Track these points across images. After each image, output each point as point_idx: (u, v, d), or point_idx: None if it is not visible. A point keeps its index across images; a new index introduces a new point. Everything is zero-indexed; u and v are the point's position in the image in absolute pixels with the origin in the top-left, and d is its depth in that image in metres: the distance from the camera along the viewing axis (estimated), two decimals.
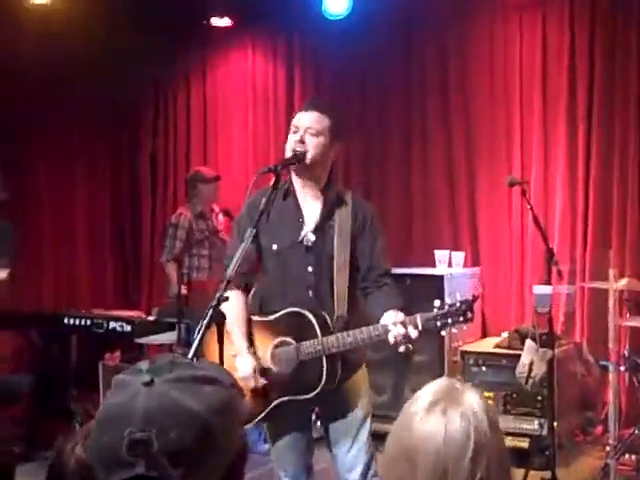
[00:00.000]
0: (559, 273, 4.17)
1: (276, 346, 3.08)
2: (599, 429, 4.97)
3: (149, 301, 6.96)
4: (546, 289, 4.20)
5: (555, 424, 4.02)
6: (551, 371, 4.11)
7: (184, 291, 5.27)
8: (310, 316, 3.01)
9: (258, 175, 3.08)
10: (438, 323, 2.78)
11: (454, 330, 2.77)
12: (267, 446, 5.16)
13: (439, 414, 1.34)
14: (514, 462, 4.23)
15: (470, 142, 6.07)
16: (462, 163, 6.11)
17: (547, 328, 4.16)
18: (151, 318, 5.56)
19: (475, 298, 2.80)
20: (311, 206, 3.13)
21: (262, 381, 3.05)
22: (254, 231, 2.89)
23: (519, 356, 4.60)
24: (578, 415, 5.03)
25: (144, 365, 1.19)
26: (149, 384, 1.14)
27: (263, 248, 3.14)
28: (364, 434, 3.15)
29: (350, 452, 3.13)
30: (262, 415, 3.09)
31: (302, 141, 3.05)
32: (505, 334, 5.27)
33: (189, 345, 2.76)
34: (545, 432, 4.28)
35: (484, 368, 5.08)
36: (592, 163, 5.52)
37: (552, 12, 5.67)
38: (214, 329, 2.85)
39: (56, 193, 6.99)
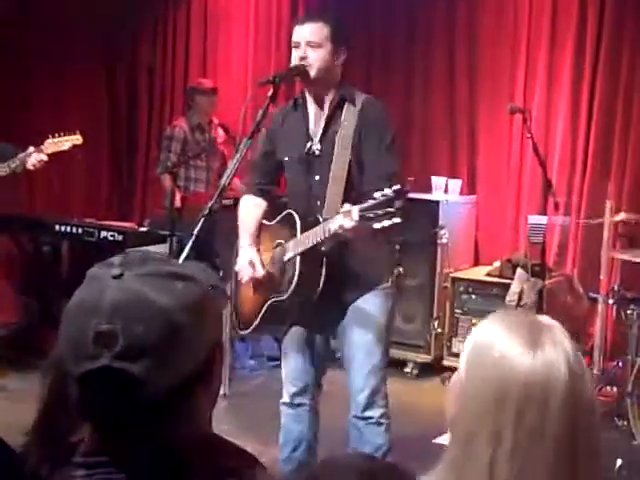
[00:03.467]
0: (555, 204, 4.15)
1: (274, 248, 3.14)
2: (585, 360, 5.02)
3: (142, 213, 6.92)
4: (541, 219, 4.19)
5: None
6: (540, 301, 4.13)
7: (178, 203, 5.24)
8: (296, 218, 3.01)
9: (257, 85, 3.08)
10: (371, 214, 2.58)
11: (386, 223, 2.55)
12: (254, 362, 5.30)
13: (551, 344, 1.24)
14: None
15: (473, 68, 5.97)
16: (464, 89, 6.02)
17: (539, 258, 4.16)
18: (143, 229, 5.54)
19: (403, 191, 2.57)
20: (320, 115, 3.11)
21: (259, 271, 3.05)
22: (249, 142, 2.90)
23: (510, 285, 4.62)
24: None
25: (116, 259, 1.17)
26: (118, 277, 1.12)
27: (280, 159, 3.20)
28: (375, 358, 3.09)
29: (357, 375, 3.10)
30: (260, 317, 3.12)
31: (304, 57, 3.02)
32: (497, 263, 5.27)
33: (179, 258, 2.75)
34: None
35: (474, 296, 5.10)
36: (596, 94, 5.44)
37: None
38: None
39: (52, 100, 6.89)
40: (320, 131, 3.10)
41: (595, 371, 3.85)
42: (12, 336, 5.25)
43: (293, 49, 3.08)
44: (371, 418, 3.10)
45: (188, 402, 1.15)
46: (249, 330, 3.27)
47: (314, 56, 3.02)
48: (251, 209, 3.24)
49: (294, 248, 3.00)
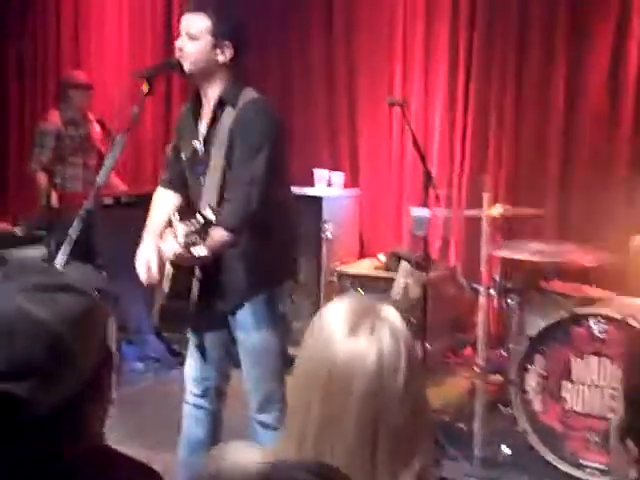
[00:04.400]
0: (437, 197, 4.20)
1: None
2: (469, 350, 5.13)
3: (16, 213, 6.64)
4: (423, 212, 4.24)
5: (427, 346, 4.10)
6: (425, 294, 4.17)
7: (55, 202, 5.04)
8: (174, 220, 2.83)
9: (132, 77, 2.97)
10: (191, 239, 2.51)
11: (201, 251, 2.51)
12: (141, 364, 5.17)
13: (367, 333, 1.28)
14: None
15: (352, 61, 6.00)
16: (343, 82, 6.04)
17: (423, 251, 4.21)
18: (17, 230, 5.30)
19: (207, 220, 2.51)
20: (206, 114, 3.01)
21: (155, 276, 2.88)
22: (123, 138, 2.79)
23: (395, 279, 4.65)
24: (450, 337, 5.16)
25: None
26: None
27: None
28: (266, 361, 3.05)
29: (248, 377, 3.08)
30: (157, 317, 3.02)
31: (181, 48, 2.92)
32: (382, 256, 5.31)
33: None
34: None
35: (361, 290, 5.12)
36: (471, 87, 5.56)
37: None
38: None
39: None
40: (204, 132, 3.01)
41: (479, 361, 3.93)
42: None
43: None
44: (264, 422, 3.08)
45: (76, 416, 1.10)
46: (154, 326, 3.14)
47: (190, 48, 2.90)
48: (159, 203, 3.13)
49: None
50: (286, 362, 3.05)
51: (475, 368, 3.98)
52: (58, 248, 4.69)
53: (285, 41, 6.17)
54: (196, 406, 3.19)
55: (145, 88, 2.88)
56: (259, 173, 2.86)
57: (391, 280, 4.74)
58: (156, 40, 6.57)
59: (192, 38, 2.90)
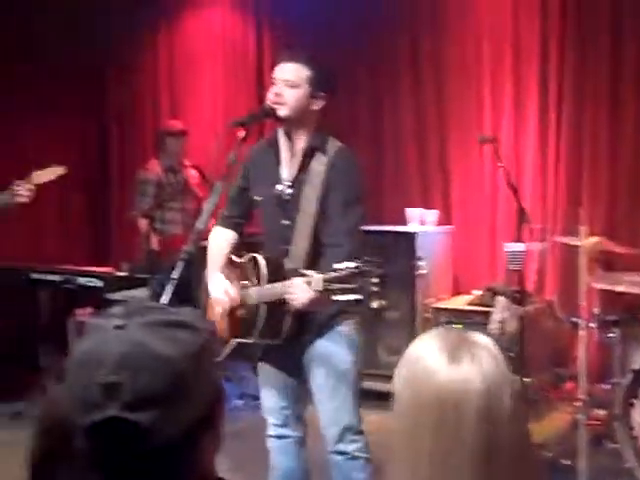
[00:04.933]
0: (531, 230, 4.18)
1: (241, 289, 3.11)
2: (570, 384, 5.03)
3: (119, 257, 6.88)
4: (518, 246, 4.21)
5: (527, 380, 4.04)
6: (522, 328, 4.13)
7: (156, 246, 5.22)
8: (262, 264, 3.00)
9: (228, 128, 3.07)
10: (336, 288, 2.62)
11: (344, 298, 2.59)
12: (241, 402, 5.25)
13: (468, 359, 1.29)
14: None
15: (441, 99, 6.04)
16: (433, 121, 6.08)
17: (519, 286, 4.18)
18: (121, 274, 5.51)
19: (365, 271, 2.58)
20: (291, 158, 3.09)
21: (236, 298, 3.04)
22: (222, 184, 2.90)
23: (491, 313, 4.62)
24: (549, 371, 5.08)
25: (117, 310, 1.18)
26: (121, 327, 1.14)
27: (252, 197, 3.19)
28: (341, 393, 3.09)
29: (325, 409, 3.11)
30: (223, 355, 3.08)
31: (279, 94, 3.00)
32: (477, 292, 5.29)
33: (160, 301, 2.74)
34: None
35: (454, 325, 5.09)
36: (563, 120, 5.52)
37: None
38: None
39: (23, 146, 6.86)
40: (291, 176, 3.08)
41: (582, 395, 3.85)
42: None
43: (272, 86, 3.06)
44: (345, 452, 3.10)
45: (194, 448, 1.16)
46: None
47: (289, 95, 3.00)
48: (221, 242, 3.22)
49: (259, 297, 3.00)
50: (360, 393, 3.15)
51: (577, 403, 3.91)
52: (160, 289, 4.88)
53: (375, 84, 6.27)
54: (280, 437, 3.23)
55: (241, 135, 2.98)
56: (359, 221, 3.01)
57: (487, 315, 4.71)
58: (249, 89, 6.77)
59: (292, 86, 2.99)
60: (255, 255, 3.06)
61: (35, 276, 5.34)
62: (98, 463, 1.13)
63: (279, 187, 3.09)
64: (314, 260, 3.01)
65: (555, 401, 5.00)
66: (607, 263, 4.71)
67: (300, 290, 2.76)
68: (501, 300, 4.60)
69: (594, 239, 4.31)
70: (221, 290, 3.08)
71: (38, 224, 6.96)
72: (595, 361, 4.92)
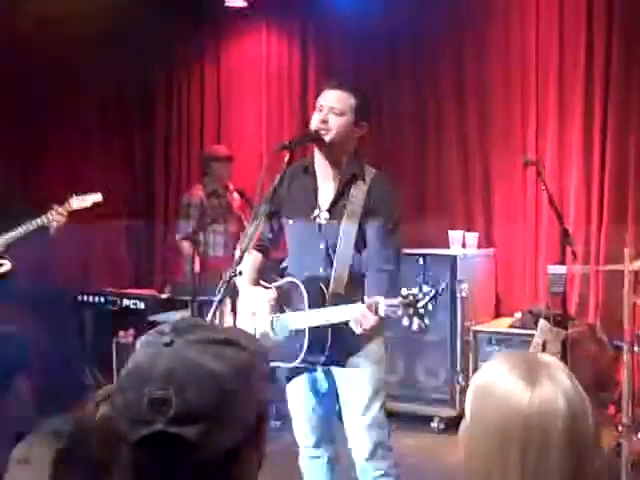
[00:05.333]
0: (573, 253, 4.16)
1: (275, 313, 3.15)
2: (612, 409, 4.97)
3: (163, 280, 6.98)
4: (560, 269, 4.19)
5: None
6: (564, 351, 4.11)
7: (198, 269, 5.29)
8: (302, 289, 3.04)
9: (273, 152, 3.14)
10: (399, 312, 2.68)
11: (415, 322, 2.63)
12: (279, 422, 5.26)
13: (547, 380, 1.28)
14: None
15: (485, 122, 6.04)
16: (476, 143, 6.08)
17: (561, 308, 4.16)
18: (164, 296, 5.59)
19: (439, 292, 2.65)
20: (329, 184, 3.14)
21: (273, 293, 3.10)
22: (268, 208, 2.94)
23: (532, 336, 4.59)
24: (592, 395, 4.97)
25: (167, 327, 1.21)
26: (170, 344, 1.16)
27: (283, 222, 3.23)
28: (373, 410, 3.14)
29: (356, 427, 3.15)
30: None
31: (325, 120, 3.05)
32: (518, 314, 5.26)
33: None
34: None
35: (497, 347, 5.08)
36: (608, 144, 5.49)
37: None
38: (226, 305, 3.02)
39: (70, 172, 7.00)
40: (329, 202, 3.13)
41: (624, 419, 3.81)
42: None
43: (316, 111, 3.10)
44: (375, 471, 3.14)
45: (240, 465, 1.18)
46: None
47: (335, 122, 3.04)
48: (250, 265, 3.22)
49: (303, 322, 3.02)
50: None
51: (620, 427, 3.87)
52: (201, 311, 4.95)
53: (420, 106, 6.29)
54: (313, 457, 3.28)
55: (286, 158, 3.03)
56: (400, 247, 3.12)
57: (528, 337, 4.68)
58: (293, 114, 6.85)
59: (338, 113, 3.04)
60: (294, 280, 3.09)
61: (81, 298, 5.44)
62: (146, 477, 1.16)
63: (316, 212, 3.13)
64: (354, 285, 3.05)
65: (598, 425, 4.94)
66: None
67: (368, 315, 2.80)
68: (543, 323, 4.57)
69: (639, 262, 4.28)
70: (263, 296, 3.14)
71: (85, 248, 7.08)
72: (638, 385, 4.85)
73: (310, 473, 3.31)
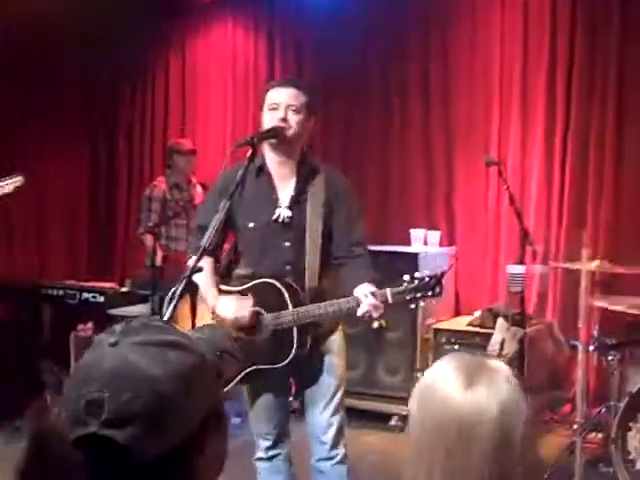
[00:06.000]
0: (533, 253, 4.20)
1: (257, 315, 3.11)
2: (567, 407, 5.03)
3: (123, 273, 6.93)
4: (519, 269, 4.22)
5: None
6: (522, 350, 4.15)
7: (159, 262, 5.25)
8: (281, 287, 3.04)
9: (235, 147, 3.13)
10: (407, 297, 2.83)
11: (421, 304, 2.79)
12: (238, 419, 5.26)
13: (484, 384, 1.30)
14: None
15: (448, 121, 6.07)
16: (440, 142, 6.11)
17: (519, 307, 4.20)
18: (124, 289, 5.54)
19: (443, 274, 2.84)
20: (285, 182, 3.15)
21: (248, 309, 3.06)
22: (228, 203, 2.91)
23: (491, 335, 4.64)
24: (547, 394, 5.08)
25: (118, 327, 1.21)
26: (114, 345, 1.16)
27: (237, 225, 3.17)
28: (338, 397, 3.18)
29: (323, 414, 3.17)
30: (235, 381, 3.07)
31: (284, 118, 3.06)
32: (478, 313, 5.30)
33: (161, 318, 2.77)
34: None
35: (456, 346, 5.11)
36: (569, 145, 5.54)
37: None
38: (186, 301, 3.02)
39: (31, 163, 6.93)
40: (289, 198, 3.14)
41: (578, 418, 3.86)
42: None
43: (269, 111, 3.11)
44: (336, 457, 3.17)
45: (182, 470, 1.17)
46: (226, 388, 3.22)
47: (294, 119, 3.08)
48: (213, 277, 3.18)
49: (293, 319, 3.02)
50: None
51: (574, 426, 3.92)
52: (161, 305, 4.91)
53: (384, 103, 6.30)
54: (271, 458, 3.27)
55: (249, 154, 3.02)
56: (363, 235, 3.19)
57: (487, 336, 4.73)
58: (257, 109, 6.78)
59: (295, 110, 3.09)
60: (269, 280, 3.06)
61: (39, 291, 5.38)
62: (90, 476, 1.15)
63: (277, 211, 3.13)
64: (327, 276, 3.11)
65: (552, 424, 5.01)
66: (608, 286, 4.73)
67: (374, 301, 2.86)
68: (501, 322, 4.62)
69: (596, 262, 4.34)
70: (232, 308, 3.09)
71: (44, 239, 7.02)
72: (593, 384, 4.92)
73: (268, 473, 3.29)
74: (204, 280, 3.07)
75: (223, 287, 3.17)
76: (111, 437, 1.10)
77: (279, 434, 3.25)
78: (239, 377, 3.08)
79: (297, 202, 3.13)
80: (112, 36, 6.62)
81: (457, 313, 5.79)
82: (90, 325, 5.49)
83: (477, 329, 5.10)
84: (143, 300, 5.12)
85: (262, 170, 3.15)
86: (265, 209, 3.14)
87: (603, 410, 4.34)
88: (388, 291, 2.85)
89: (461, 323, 5.37)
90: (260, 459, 3.30)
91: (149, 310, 4.88)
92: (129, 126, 7.40)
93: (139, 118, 7.37)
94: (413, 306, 2.86)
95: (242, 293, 3.14)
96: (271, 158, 3.16)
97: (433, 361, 4.71)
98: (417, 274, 2.84)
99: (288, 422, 3.32)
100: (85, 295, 5.29)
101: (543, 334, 5.11)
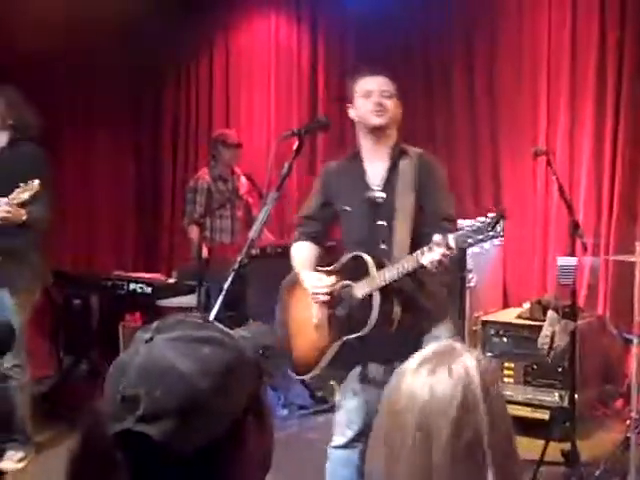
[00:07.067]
0: (583, 245, 4.13)
1: (340, 289, 3.21)
2: (620, 402, 4.95)
3: (170, 264, 6.97)
4: (570, 260, 4.15)
5: (576, 396, 3.99)
6: (573, 343, 4.08)
7: (205, 254, 5.27)
8: (366, 257, 3.14)
9: (280, 139, 3.16)
10: (470, 240, 2.81)
11: (486, 246, 2.81)
12: (286, 411, 5.27)
13: (426, 372, 1.29)
14: (534, 433, 4.20)
15: (495, 111, 6.00)
16: (486, 134, 6.04)
17: (570, 300, 4.13)
18: (171, 280, 5.57)
19: (502, 214, 2.82)
20: (379, 164, 3.27)
21: (329, 283, 3.18)
22: (276, 194, 2.92)
23: (541, 327, 4.57)
24: (599, 388, 5.00)
25: (154, 323, 1.21)
26: (149, 341, 1.17)
27: (337, 210, 3.34)
28: None
29: None
30: (329, 358, 3.19)
31: (381, 103, 3.19)
32: (527, 305, 5.23)
33: (208, 309, 2.77)
34: (566, 404, 4.26)
35: (505, 338, 5.05)
36: (620, 135, 5.44)
37: None
38: (292, 290, 3.32)
39: (78, 156, 7.01)
40: (382, 180, 3.26)
41: (633, 413, 3.79)
42: (47, 391, 5.25)
43: (362, 98, 3.22)
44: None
45: (219, 465, 1.16)
46: (311, 374, 3.31)
47: (388, 104, 3.21)
48: (308, 253, 3.37)
49: (370, 285, 3.10)
50: None
51: (627, 421, 3.85)
52: (208, 297, 4.93)
53: (430, 97, 6.25)
54: (348, 447, 3.24)
55: (295, 146, 3.02)
56: (453, 211, 3.28)
57: (536, 328, 4.65)
58: (302, 100, 6.82)
59: (389, 96, 3.23)
60: (358, 253, 3.17)
61: (88, 281, 5.43)
62: (128, 470, 1.15)
63: (371, 193, 3.25)
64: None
65: (605, 419, 4.92)
66: None
67: (438, 250, 2.84)
68: (551, 314, 4.54)
69: None
70: (314, 280, 3.21)
71: (93, 232, 7.08)
72: None
73: (338, 465, 3.27)
74: (299, 258, 3.34)
75: (319, 269, 3.30)
76: (145, 432, 1.11)
77: (362, 427, 3.20)
78: (332, 353, 3.18)
79: (388, 183, 3.24)
80: (156, 29, 6.65)
81: (505, 305, 5.71)
82: (138, 315, 5.54)
83: (526, 321, 5.03)
84: (190, 291, 5.14)
85: (357, 156, 3.30)
86: (359, 192, 3.27)
87: None
88: (450, 237, 2.83)
89: (510, 315, 5.31)
90: (336, 447, 3.28)
91: (196, 301, 4.90)
92: (174, 120, 7.43)
93: (184, 110, 7.39)
94: (476, 249, 2.90)
95: (333, 271, 3.25)
96: (366, 142, 3.28)
97: (482, 353, 4.64)
98: (478, 218, 2.83)
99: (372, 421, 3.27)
100: (133, 286, 5.33)
101: (594, 327, 5.02)
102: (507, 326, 5.09)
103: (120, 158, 7.38)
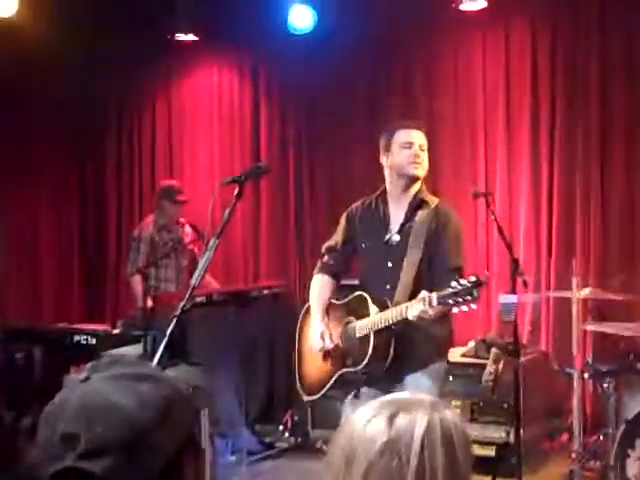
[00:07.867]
0: (524, 282, 4.20)
1: (345, 325, 3.48)
2: (565, 436, 5.00)
3: (115, 315, 6.89)
4: (511, 298, 4.22)
5: (521, 432, 4.03)
6: (517, 379, 4.13)
7: (150, 303, 5.23)
8: (368, 298, 3.32)
9: (220, 185, 3.23)
10: (450, 301, 2.94)
11: (464, 309, 2.95)
12: (234, 457, 5.21)
13: (372, 413, 1.29)
14: (481, 470, 4.23)
15: (434, 153, 6.05)
16: (427, 174, 6.11)
17: (513, 337, 4.19)
18: (116, 331, 5.51)
19: (482, 281, 2.95)
20: (400, 209, 3.49)
21: (328, 344, 3.45)
22: (217, 241, 2.94)
23: (485, 365, 4.62)
24: (544, 423, 5.05)
25: (89, 364, 1.23)
26: (85, 380, 1.18)
27: (357, 247, 3.58)
28: None
29: None
30: (325, 388, 3.49)
31: (418, 155, 3.43)
32: (472, 343, 5.29)
33: (154, 358, 2.76)
34: (512, 440, 4.30)
35: (451, 377, 5.08)
36: (555, 174, 5.60)
37: (514, 27, 5.77)
38: (306, 318, 3.64)
39: (21, 205, 6.94)
40: (399, 224, 3.47)
41: (576, 447, 3.84)
42: None
43: (401, 148, 3.44)
44: None
45: None
46: (316, 397, 3.59)
47: (423, 157, 3.47)
48: (323, 288, 3.62)
49: (369, 326, 3.31)
50: None
51: (572, 454, 3.90)
52: (154, 346, 4.88)
53: (373, 136, 6.30)
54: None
55: (236, 191, 3.04)
56: (462, 264, 3.43)
57: (481, 366, 4.71)
58: (244, 150, 6.88)
59: (424, 150, 3.48)
60: (361, 293, 3.40)
61: (31, 334, 5.34)
62: None
63: (388, 235, 3.47)
64: (416, 296, 3.24)
65: (551, 453, 4.97)
66: (600, 313, 4.74)
67: (419, 307, 3.03)
68: (494, 351, 4.61)
69: (587, 290, 4.35)
70: (318, 334, 3.49)
71: (37, 283, 6.99)
72: (590, 412, 4.90)
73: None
74: (314, 293, 3.61)
75: (333, 301, 3.58)
76: (87, 469, 1.11)
77: None
78: (332, 381, 3.46)
79: (404, 229, 3.44)
80: (98, 77, 6.67)
81: None
82: (83, 368, 5.44)
83: (471, 360, 5.08)
84: (135, 341, 5.08)
85: (383, 199, 3.53)
86: (378, 233, 3.51)
87: (601, 438, 4.32)
88: (434, 295, 2.99)
89: (455, 354, 5.34)
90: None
91: (141, 350, 4.85)
92: (117, 167, 7.40)
93: (127, 159, 7.37)
94: (456, 310, 2.99)
95: (342, 305, 3.53)
96: (393, 188, 3.51)
97: None
98: (461, 280, 2.96)
99: None
100: (77, 337, 5.26)
101: (537, 363, 5.09)
102: (452, 365, 5.12)
103: (64, 209, 7.32)
